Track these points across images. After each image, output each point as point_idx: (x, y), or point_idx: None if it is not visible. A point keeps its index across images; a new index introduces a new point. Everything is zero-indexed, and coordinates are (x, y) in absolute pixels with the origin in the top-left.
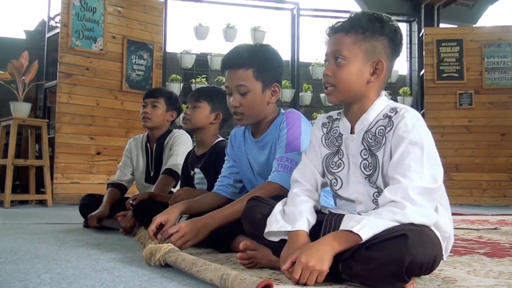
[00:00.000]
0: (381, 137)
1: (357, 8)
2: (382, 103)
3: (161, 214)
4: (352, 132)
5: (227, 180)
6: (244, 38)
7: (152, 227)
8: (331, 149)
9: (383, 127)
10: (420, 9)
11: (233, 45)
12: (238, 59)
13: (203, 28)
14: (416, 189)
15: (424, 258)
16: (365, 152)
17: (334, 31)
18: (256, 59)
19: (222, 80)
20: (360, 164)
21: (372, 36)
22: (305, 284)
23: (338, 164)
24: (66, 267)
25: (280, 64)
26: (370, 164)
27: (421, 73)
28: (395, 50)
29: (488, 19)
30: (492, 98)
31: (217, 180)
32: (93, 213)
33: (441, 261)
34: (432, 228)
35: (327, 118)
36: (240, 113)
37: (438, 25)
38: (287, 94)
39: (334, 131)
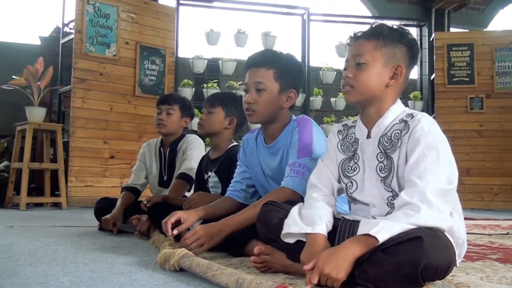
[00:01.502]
0: (396, 140)
1: (367, 13)
2: (398, 109)
3: (182, 212)
4: (368, 136)
5: (240, 185)
6: (255, 43)
7: (172, 219)
8: (346, 154)
9: (398, 131)
10: (430, 14)
11: (244, 50)
12: (262, 58)
13: (214, 33)
14: (433, 191)
15: (439, 261)
16: (381, 155)
17: (355, 38)
18: (278, 62)
19: (234, 85)
20: (376, 167)
21: (392, 43)
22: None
23: (354, 168)
24: (84, 270)
25: (301, 74)
26: (386, 167)
27: (432, 78)
28: (412, 59)
29: (499, 23)
30: (503, 102)
31: (230, 185)
32: (108, 216)
33: (454, 266)
34: (446, 233)
35: (342, 126)
36: (252, 109)
37: (448, 30)
38: (297, 98)
39: (349, 137)
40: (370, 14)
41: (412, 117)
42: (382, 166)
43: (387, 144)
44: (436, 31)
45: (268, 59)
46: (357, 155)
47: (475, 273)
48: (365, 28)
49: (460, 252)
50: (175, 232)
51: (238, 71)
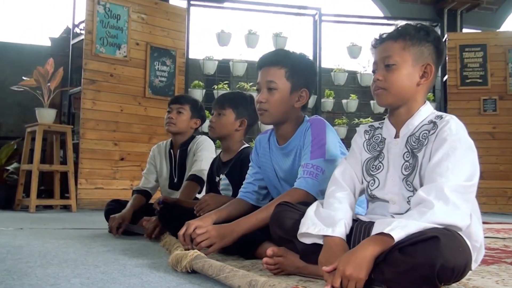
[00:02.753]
0: (424, 140)
1: (379, 14)
2: (427, 110)
3: (195, 220)
4: (396, 136)
5: (252, 187)
6: (266, 44)
7: (189, 231)
8: (372, 153)
9: (427, 131)
10: (443, 14)
11: (255, 51)
12: (274, 57)
13: (225, 34)
14: (452, 187)
15: (456, 262)
16: (407, 154)
17: (381, 40)
18: (290, 61)
19: (244, 86)
20: (402, 167)
21: (419, 42)
22: None
23: (378, 167)
24: (95, 272)
25: (313, 74)
26: (410, 165)
27: (444, 79)
28: (439, 57)
29: None
30: None
31: (242, 186)
32: (116, 215)
33: (469, 270)
34: (463, 236)
35: (369, 126)
36: (264, 109)
37: (461, 30)
38: (309, 99)
39: (376, 138)
40: (382, 15)
41: (441, 118)
42: (408, 164)
43: (414, 144)
44: (449, 31)
45: (280, 58)
46: (382, 154)
47: (491, 276)
48: (379, 28)
49: (477, 257)
50: (187, 239)
51: (248, 72)
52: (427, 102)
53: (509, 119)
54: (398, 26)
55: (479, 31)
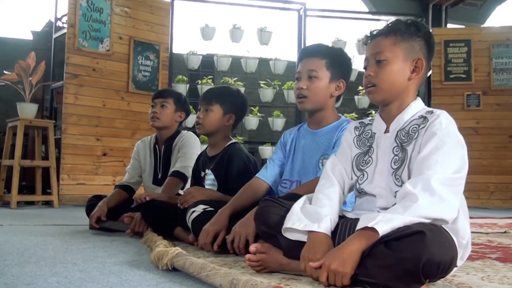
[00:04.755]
0: (413, 133)
1: (364, 9)
2: (418, 106)
3: (212, 224)
4: (386, 131)
5: (274, 168)
6: (250, 39)
7: (211, 238)
8: (362, 148)
9: (417, 125)
10: (427, 9)
11: (239, 46)
12: (316, 48)
13: (210, 28)
14: (439, 180)
15: (442, 257)
16: (397, 148)
17: (372, 37)
18: (331, 53)
19: (229, 81)
20: (391, 161)
21: (410, 37)
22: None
23: (367, 161)
24: (73, 270)
25: (350, 67)
26: (400, 159)
27: (428, 74)
28: (430, 51)
29: (496, 19)
30: (500, 100)
31: (264, 166)
32: (93, 212)
33: (455, 267)
34: (450, 232)
35: (359, 123)
36: (304, 96)
37: (445, 25)
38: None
39: (366, 133)
40: (367, 10)
41: (432, 113)
42: (397, 158)
43: (404, 138)
44: (433, 27)
45: (322, 50)
46: (372, 148)
47: (476, 272)
48: (364, 23)
49: (463, 254)
50: (215, 247)
51: (233, 67)
52: (418, 97)
53: (492, 114)
54: (389, 22)
55: (464, 26)
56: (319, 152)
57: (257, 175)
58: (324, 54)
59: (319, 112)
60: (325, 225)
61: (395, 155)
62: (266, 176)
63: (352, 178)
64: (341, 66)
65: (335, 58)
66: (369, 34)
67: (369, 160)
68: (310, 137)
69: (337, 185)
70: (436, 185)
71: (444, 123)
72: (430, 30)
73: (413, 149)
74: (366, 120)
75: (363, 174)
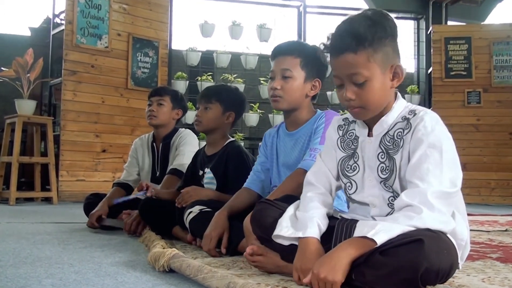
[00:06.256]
0: (399, 140)
1: (364, 6)
2: (400, 106)
3: (213, 228)
4: (369, 135)
5: (260, 176)
6: (250, 36)
7: (215, 243)
8: (346, 152)
9: (401, 130)
10: (428, 6)
11: (239, 42)
12: (290, 47)
13: (209, 25)
14: (435, 193)
15: (441, 264)
16: (382, 155)
17: (339, 51)
18: (305, 51)
19: (228, 77)
20: (378, 168)
21: (379, 43)
22: None
23: (354, 168)
24: (68, 272)
25: (326, 66)
26: (387, 168)
27: (429, 71)
28: (397, 43)
29: (497, 16)
30: (501, 97)
31: (250, 175)
32: (93, 212)
33: (456, 270)
34: (448, 235)
35: (343, 120)
36: (278, 96)
37: (446, 23)
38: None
39: (350, 134)
40: (367, 7)
41: (415, 114)
42: (384, 166)
43: (389, 144)
44: (434, 24)
45: (296, 48)
46: (356, 154)
47: (476, 274)
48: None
49: (462, 254)
50: (223, 250)
51: (232, 63)
52: (399, 95)
53: (492, 111)
54: (346, 25)
55: (464, 23)
56: (300, 154)
57: (244, 185)
58: (298, 52)
59: (295, 112)
60: (312, 230)
61: (381, 162)
62: (252, 185)
63: (338, 180)
64: (316, 65)
65: (310, 57)
66: (331, 47)
67: (356, 167)
68: (289, 139)
69: (322, 189)
70: (433, 200)
71: (429, 126)
72: (430, 28)
73: (402, 158)
74: (351, 117)
75: (351, 183)
